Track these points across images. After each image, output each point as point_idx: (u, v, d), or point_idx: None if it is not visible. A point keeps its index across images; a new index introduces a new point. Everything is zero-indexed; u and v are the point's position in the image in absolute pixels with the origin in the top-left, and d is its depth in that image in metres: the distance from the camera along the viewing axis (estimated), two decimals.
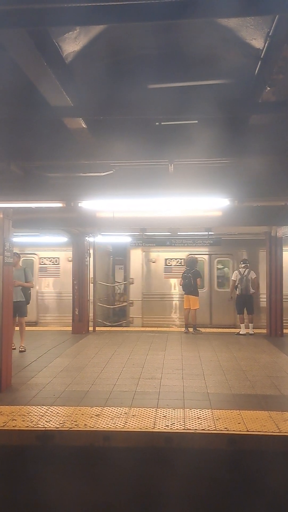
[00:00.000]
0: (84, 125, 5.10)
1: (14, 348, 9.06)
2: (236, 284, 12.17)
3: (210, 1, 2.81)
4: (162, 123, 5.49)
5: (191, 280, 12.25)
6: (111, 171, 6.24)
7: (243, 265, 12.28)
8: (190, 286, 12.28)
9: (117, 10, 2.82)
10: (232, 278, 12.38)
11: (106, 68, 4.80)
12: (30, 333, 11.84)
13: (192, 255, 13.02)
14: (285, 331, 11.87)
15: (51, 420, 5.40)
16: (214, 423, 5.30)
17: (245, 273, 12.14)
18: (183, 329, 12.56)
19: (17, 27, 3.10)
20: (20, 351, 9.45)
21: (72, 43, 4.18)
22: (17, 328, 9.44)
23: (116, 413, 5.61)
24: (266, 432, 5.06)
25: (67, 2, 2.82)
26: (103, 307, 14.58)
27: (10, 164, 5.97)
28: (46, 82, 4.05)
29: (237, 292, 12.20)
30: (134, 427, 5.19)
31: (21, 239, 12.15)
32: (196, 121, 5.36)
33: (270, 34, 3.83)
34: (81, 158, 5.95)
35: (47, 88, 4.19)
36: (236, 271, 12.36)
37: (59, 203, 6.99)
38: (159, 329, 12.94)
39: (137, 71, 4.73)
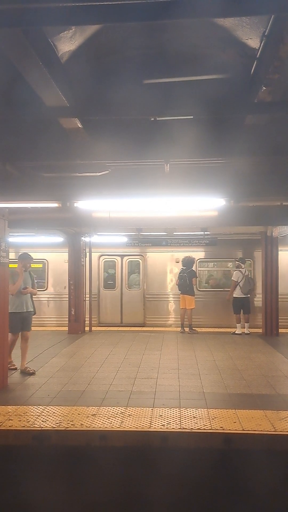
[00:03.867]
0: (80, 125, 5.09)
1: (15, 368, 7.92)
2: (237, 284, 12.14)
3: (204, 2, 2.80)
4: (158, 119, 5.45)
5: (187, 279, 12.27)
6: (107, 171, 6.23)
7: (243, 265, 12.27)
8: (186, 285, 12.29)
9: (103, 10, 2.77)
10: (233, 279, 12.28)
11: (101, 67, 4.80)
12: None
13: (189, 255, 12.97)
14: (280, 330, 11.90)
15: (47, 420, 5.39)
16: (210, 422, 5.31)
17: (246, 273, 12.14)
18: None
19: (5, 26, 3.06)
20: (30, 373, 7.65)
21: (68, 43, 4.18)
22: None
23: (112, 413, 5.61)
24: (261, 431, 5.08)
25: (51, 2, 2.75)
26: None
27: (5, 164, 5.95)
28: (41, 82, 4.04)
29: (237, 293, 12.18)
30: (130, 426, 5.19)
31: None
32: (192, 116, 5.34)
33: (266, 34, 3.84)
34: (77, 158, 5.92)
35: (42, 88, 4.18)
36: (238, 271, 12.25)
37: (54, 203, 6.97)
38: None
39: (132, 70, 4.73)
